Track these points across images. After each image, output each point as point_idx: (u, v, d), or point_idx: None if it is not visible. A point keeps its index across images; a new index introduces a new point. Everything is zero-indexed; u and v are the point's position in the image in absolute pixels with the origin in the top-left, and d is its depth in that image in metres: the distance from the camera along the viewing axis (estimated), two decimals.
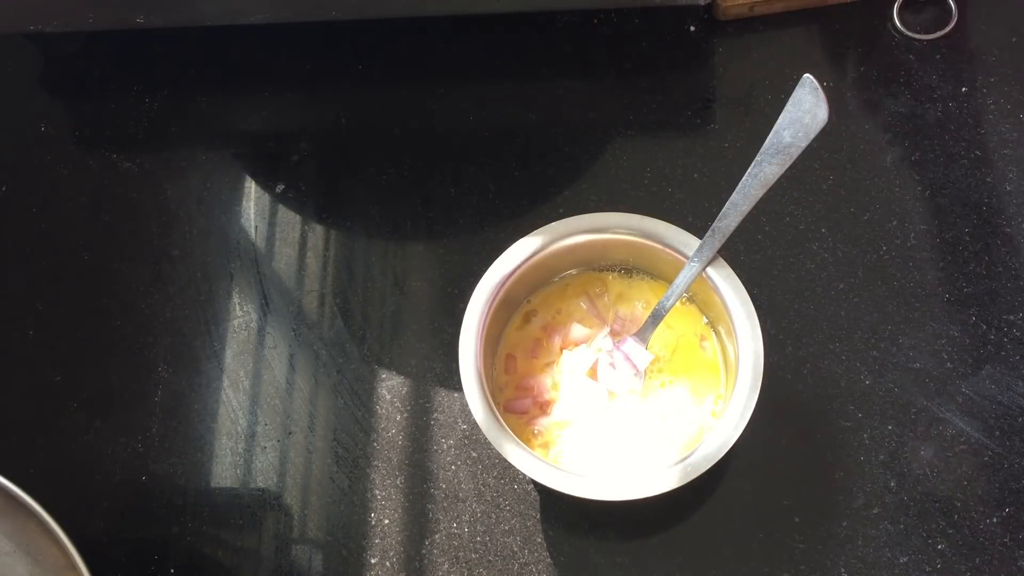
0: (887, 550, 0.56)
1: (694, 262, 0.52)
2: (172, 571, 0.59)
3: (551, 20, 0.71)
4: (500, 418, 0.51)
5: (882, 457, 0.58)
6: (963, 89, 0.66)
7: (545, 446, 0.55)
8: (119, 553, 0.59)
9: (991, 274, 0.61)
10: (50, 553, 0.53)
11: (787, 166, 0.49)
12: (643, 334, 0.55)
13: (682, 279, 0.53)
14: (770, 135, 0.49)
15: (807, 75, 0.47)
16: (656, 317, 0.54)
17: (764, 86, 0.67)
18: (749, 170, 0.50)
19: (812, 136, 0.47)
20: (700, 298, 0.56)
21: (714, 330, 0.56)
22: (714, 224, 0.51)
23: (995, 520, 0.56)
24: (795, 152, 0.48)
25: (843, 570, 0.56)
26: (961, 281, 0.61)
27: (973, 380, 0.59)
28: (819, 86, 0.47)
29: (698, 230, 0.54)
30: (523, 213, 0.65)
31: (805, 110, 0.47)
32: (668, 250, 0.54)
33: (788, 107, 0.48)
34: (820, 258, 0.62)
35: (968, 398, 0.58)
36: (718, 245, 0.52)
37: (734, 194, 0.50)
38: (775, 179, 0.49)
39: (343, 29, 0.72)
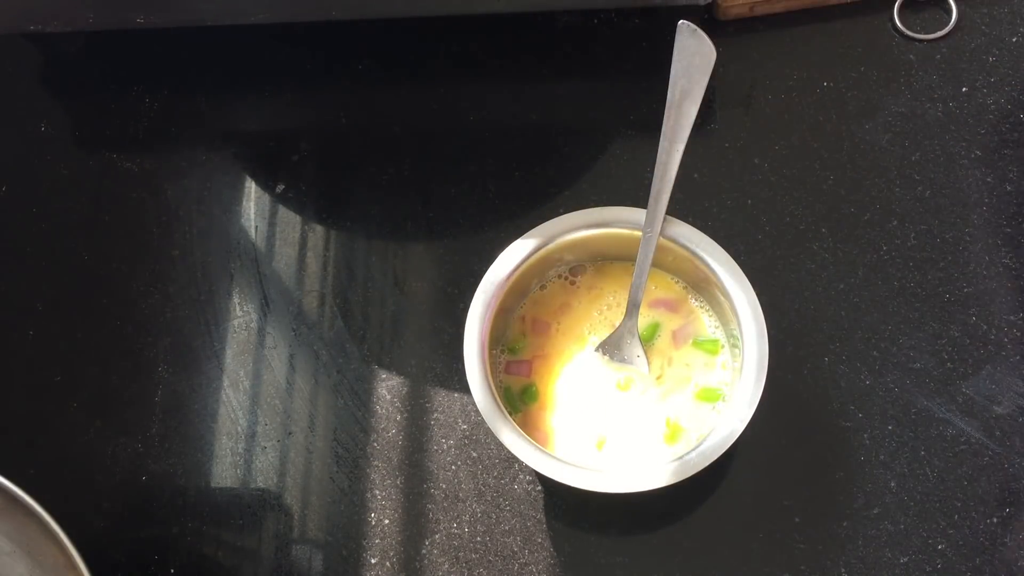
0: (887, 550, 0.56)
1: (648, 232, 0.53)
2: (172, 571, 0.59)
3: (551, 20, 0.71)
4: (501, 405, 0.52)
5: (882, 457, 0.58)
6: (963, 89, 0.66)
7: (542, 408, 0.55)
8: (119, 553, 0.59)
9: (991, 274, 0.61)
10: (50, 553, 0.53)
11: (697, 108, 0.50)
12: (628, 322, 0.55)
13: (642, 253, 0.53)
14: (669, 91, 0.50)
15: (681, 21, 0.48)
16: (634, 302, 0.54)
17: (764, 86, 0.67)
18: (664, 123, 0.50)
19: (709, 72, 0.49)
20: (681, 270, 0.57)
21: (708, 300, 0.56)
22: (652, 187, 0.52)
23: (995, 520, 0.56)
24: (700, 92, 0.49)
25: (843, 570, 0.56)
26: (961, 281, 0.61)
27: (973, 380, 0.59)
28: (695, 27, 0.48)
29: (698, 229, 0.54)
30: (523, 213, 0.65)
31: (692, 52, 0.49)
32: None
33: (675, 57, 0.49)
34: (820, 258, 0.62)
35: (968, 398, 0.58)
36: (664, 207, 0.52)
37: (659, 153, 0.51)
38: (691, 124, 0.50)
39: (343, 29, 0.72)
